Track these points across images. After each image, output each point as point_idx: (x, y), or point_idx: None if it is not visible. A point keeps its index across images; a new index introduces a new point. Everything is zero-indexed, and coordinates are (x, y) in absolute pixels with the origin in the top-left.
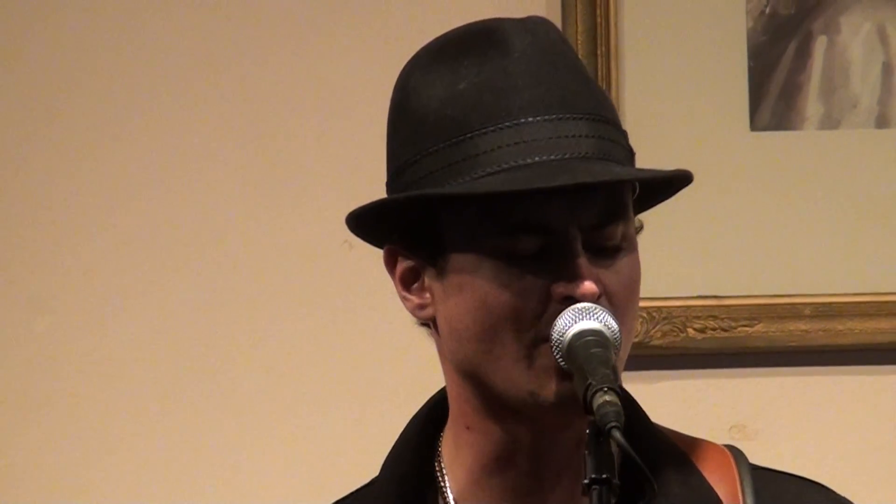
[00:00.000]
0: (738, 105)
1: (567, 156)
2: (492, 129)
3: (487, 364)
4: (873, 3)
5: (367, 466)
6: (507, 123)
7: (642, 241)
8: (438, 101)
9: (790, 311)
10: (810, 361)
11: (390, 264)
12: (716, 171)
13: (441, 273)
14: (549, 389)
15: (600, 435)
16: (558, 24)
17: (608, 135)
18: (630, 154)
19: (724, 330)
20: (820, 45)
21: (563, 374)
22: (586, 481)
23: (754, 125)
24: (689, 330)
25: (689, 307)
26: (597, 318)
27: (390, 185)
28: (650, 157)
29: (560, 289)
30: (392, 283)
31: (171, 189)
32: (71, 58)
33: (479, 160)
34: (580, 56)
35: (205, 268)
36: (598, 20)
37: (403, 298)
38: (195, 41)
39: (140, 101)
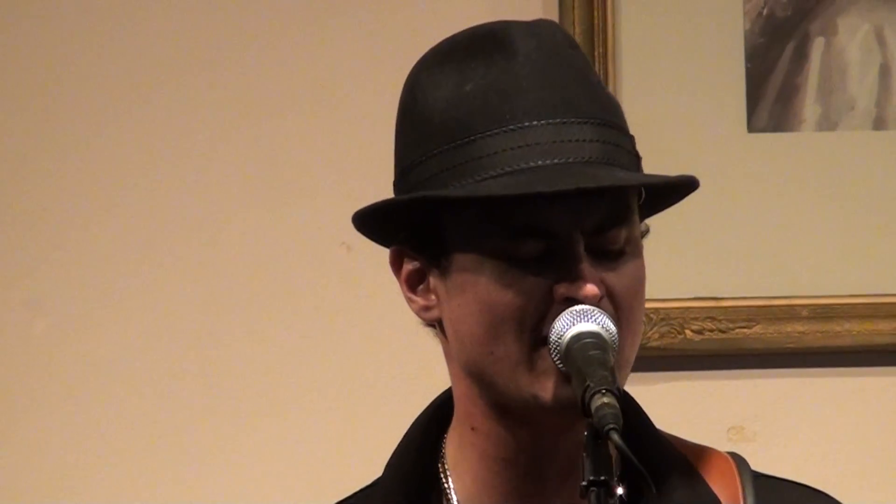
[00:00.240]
0: (735, 107)
1: (570, 160)
2: (496, 131)
3: (490, 366)
4: (871, 4)
5: (366, 468)
6: (511, 126)
7: None
8: (444, 103)
9: (788, 313)
10: (808, 363)
11: (396, 265)
12: (713, 173)
13: (445, 274)
14: (550, 392)
15: (598, 437)
16: None
17: (613, 139)
18: (636, 159)
19: (722, 331)
20: (817, 47)
21: (563, 377)
22: (584, 483)
23: (752, 127)
24: (687, 331)
25: (686, 308)
26: (594, 320)
27: (397, 185)
28: (648, 158)
29: (562, 290)
30: (394, 284)
31: (170, 191)
32: (70, 59)
33: (483, 163)
34: None
35: (203, 269)
36: (596, 21)
37: (409, 300)
38: (194, 41)
39: (138, 103)
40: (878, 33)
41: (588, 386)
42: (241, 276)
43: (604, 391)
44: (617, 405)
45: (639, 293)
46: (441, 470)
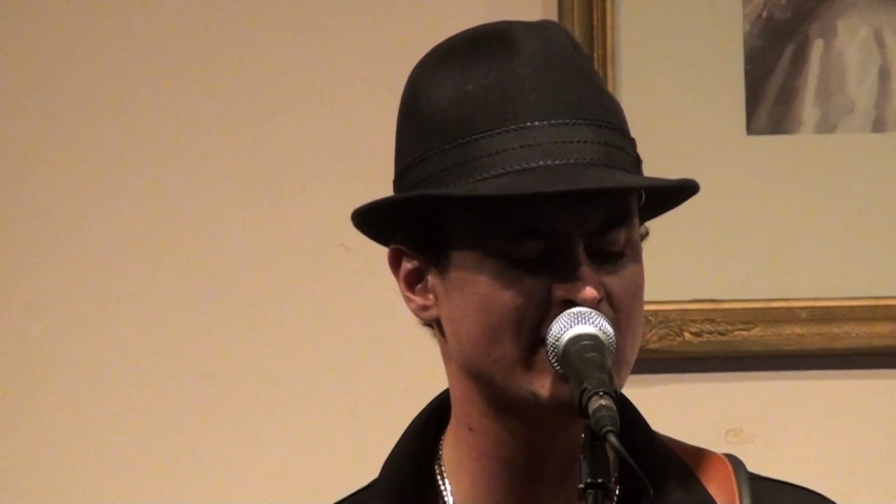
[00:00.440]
0: (734, 109)
1: (571, 161)
2: (497, 131)
3: (488, 365)
4: (870, 7)
5: (365, 468)
6: (512, 126)
7: None
8: (446, 102)
9: (786, 315)
10: (806, 365)
11: (394, 265)
12: (712, 175)
13: (444, 274)
14: (548, 390)
15: (596, 439)
16: None
17: (614, 142)
18: (637, 161)
19: (721, 334)
20: (816, 50)
21: (561, 377)
22: (581, 486)
23: (751, 129)
24: (686, 333)
25: (685, 311)
26: (592, 323)
27: (397, 183)
28: (647, 160)
29: (560, 292)
30: (391, 284)
31: (168, 192)
32: (69, 60)
33: (484, 162)
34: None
35: (201, 271)
36: (595, 23)
37: (407, 299)
38: (192, 42)
39: (137, 103)
40: (878, 35)
41: (585, 388)
42: (239, 277)
43: (601, 393)
44: (614, 407)
45: (638, 296)
46: (438, 471)
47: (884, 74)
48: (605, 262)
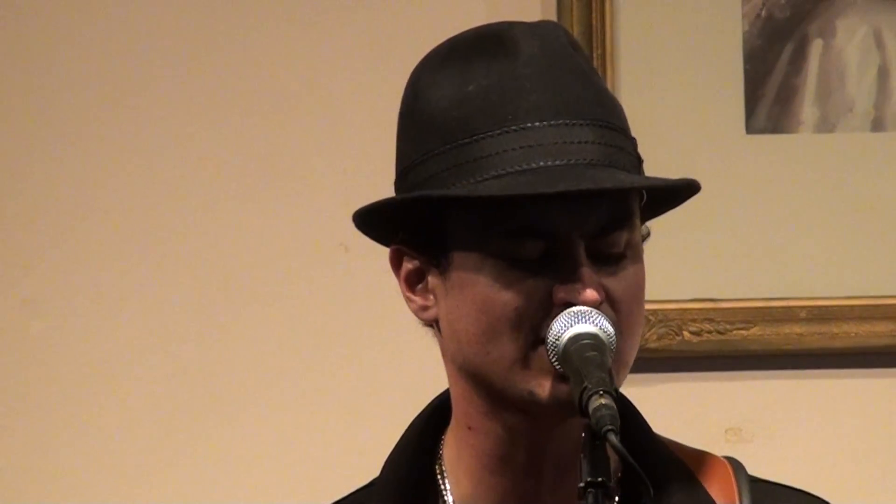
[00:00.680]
0: (733, 108)
1: (572, 161)
2: (498, 132)
3: (487, 365)
4: (869, 6)
5: (364, 468)
6: (513, 127)
7: None
8: (446, 102)
9: (786, 315)
10: (806, 364)
11: (395, 265)
12: (711, 175)
13: (444, 274)
14: (546, 389)
15: (596, 438)
16: None
17: (615, 142)
18: (638, 162)
19: (720, 333)
20: (816, 49)
21: (561, 377)
22: (582, 485)
23: (750, 128)
24: (685, 333)
25: (684, 310)
26: (592, 322)
27: (398, 184)
28: (646, 159)
29: (561, 294)
30: (391, 284)
31: (168, 191)
32: (69, 59)
33: (484, 163)
34: None
35: (201, 270)
36: (594, 23)
37: (407, 299)
38: (193, 41)
39: (137, 103)
40: (877, 35)
41: (585, 387)
42: (239, 277)
43: (601, 392)
44: (614, 406)
45: (639, 298)
46: (438, 470)
47: (883, 74)
48: (606, 263)
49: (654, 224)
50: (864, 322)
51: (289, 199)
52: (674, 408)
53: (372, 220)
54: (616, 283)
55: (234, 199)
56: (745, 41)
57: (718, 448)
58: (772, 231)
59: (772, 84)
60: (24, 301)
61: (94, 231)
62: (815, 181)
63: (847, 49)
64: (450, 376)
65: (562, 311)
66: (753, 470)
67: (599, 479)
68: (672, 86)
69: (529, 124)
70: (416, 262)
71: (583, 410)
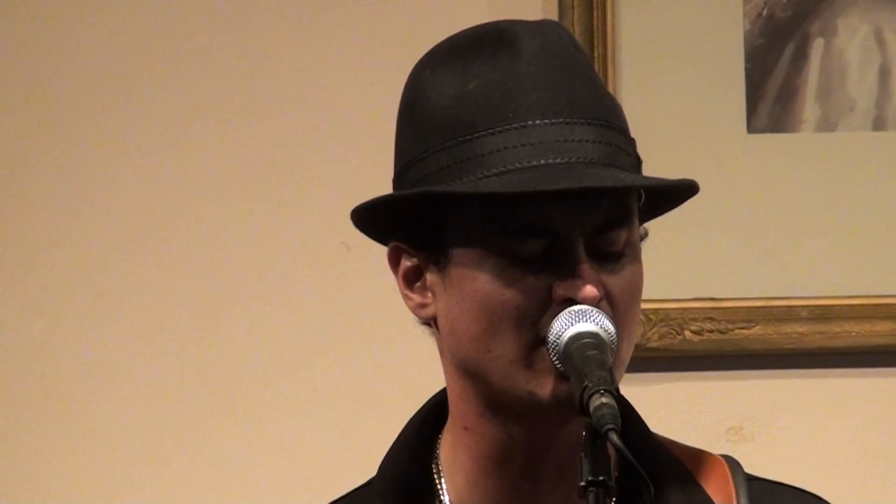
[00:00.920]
0: (735, 107)
1: (573, 160)
2: (499, 129)
3: (486, 363)
4: (870, 5)
5: (364, 467)
6: (514, 125)
7: None
8: (447, 100)
9: (787, 314)
10: (807, 364)
11: (394, 262)
12: (713, 174)
13: (443, 272)
14: (547, 390)
15: (597, 437)
16: None
17: (615, 141)
18: (637, 162)
19: (721, 332)
20: (817, 48)
21: (561, 376)
22: (582, 484)
23: (751, 127)
24: (686, 332)
25: (686, 309)
26: (593, 321)
27: (397, 181)
28: (647, 159)
29: (561, 291)
30: (392, 283)
31: (169, 191)
32: (70, 58)
33: (485, 160)
34: None
35: (202, 269)
36: (595, 22)
37: (405, 297)
38: (193, 40)
39: (138, 103)
40: (878, 34)
41: (586, 386)
42: (240, 276)
43: (602, 391)
44: (615, 405)
45: (636, 296)
46: (434, 470)
47: (884, 73)
48: (605, 261)
49: (656, 223)
50: (865, 321)
51: (290, 199)
52: (675, 407)
53: (371, 217)
54: (615, 282)
55: (235, 199)
56: (747, 40)
57: (720, 447)
58: (773, 230)
59: (773, 83)
60: (27, 300)
61: (96, 230)
62: (817, 180)
63: (848, 48)
64: (447, 375)
65: (562, 308)
66: (755, 469)
67: (600, 478)
68: (673, 85)
69: (531, 122)
70: (415, 260)
71: (584, 409)
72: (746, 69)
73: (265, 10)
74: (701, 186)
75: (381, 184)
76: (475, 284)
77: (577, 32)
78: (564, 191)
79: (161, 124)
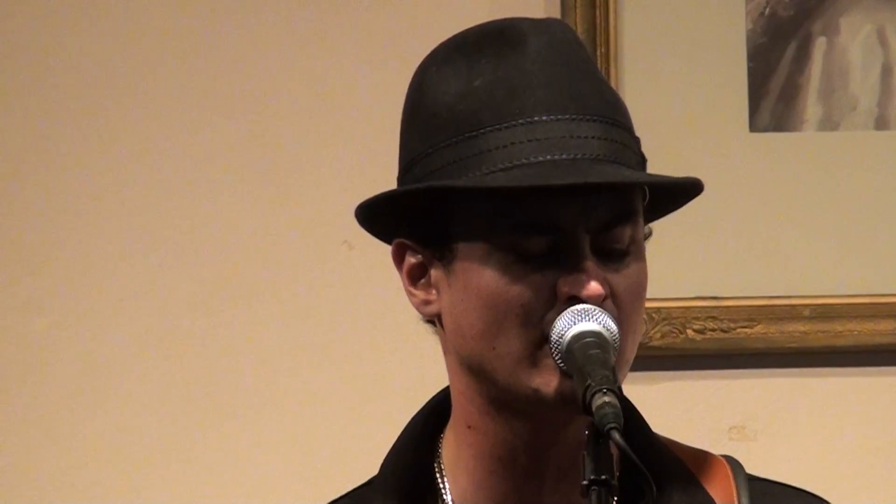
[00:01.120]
0: (737, 106)
1: (578, 156)
2: (504, 125)
3: (491, 361)
4: (873, 4)
5: (366, 466)
6: (519, 121)
7: None
8: (452, 97)
9: (789, 313)
10: (809, 363)
11: (398, 259)
12: (715, 173)
13: (448, 268)
14: (552, 387)
15: (599, 436)
16: None
17: (620, 139)
18: (642, 160)
19: (724, 331)
20: (819, 47)
21: (565, 374)
22: (585, 482)
23: (754, 126)
24: (689, 331)
25: (688, 308)
26: (596, 320)
27: (401, 178)
28: (649, 157)
29: (565, 288)
30: (394, 281)
31: (170, 189)
32: (70, 58)
33: (491, 156)
34: None
35: (203, 268)
36: (598, 21)
37: (409, 294)
38: (194, 39)
39: (138, 102)
40: (881, 33)
41: (589, 385)
42: (242, 275)
43: (605, 390)
44: (618, 404)
45: (640, 295)
46: (437, 469)
47: (886, 72)
48: (610, 260)
49: (659, 222)
50: (867, 320)
51: (292, 197)
52: (677, 406)
53: (375, 214)
54: (619, 281)
55: (237, 197)
56: (749, 39)
57: (722, 446)
58: (775, 229)
59: (775, 82)
60: (28, 298)
61: (97, 229)
62: (819, 179)
63: (851, 47)
64: (451, 373)
65: (566, 305)
66: (757, 468)
67: (602, 477)
68: (676, 84)
69: (536, 118)
70: (419, 257)
71: (586, 408)
72: (749, 68)
73: (267, 8)
74: (704, 186)
75: (384, 182)
76: (480, 280)
77: (580, 31)
78: (570, 186)
79: (162, 123)
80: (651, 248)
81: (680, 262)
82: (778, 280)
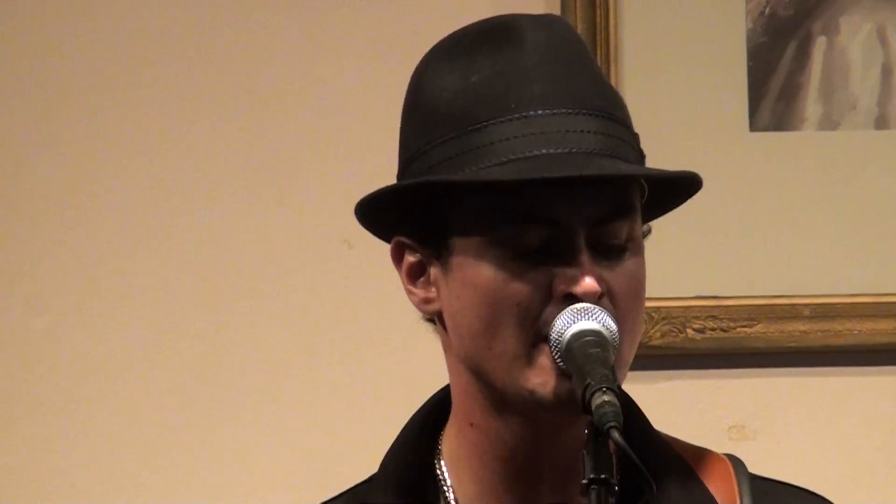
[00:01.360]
0: (737, 106)
1: (575, 150)
2: (501, 120)
3: (488, 360)
4: (873, 4)
5: (366, 464)
6: (516, 115)
7: None
8: (451, 93)
9: (789, 312)
10: (809, 362)
11: (397, 258)
12: (715, 172)
13: (446, 266)
14: (549, 388)
15: (599, 435)
16: None
17: (618, 133)
18: (640, 156)
19: (724, 330)
20: (819, 46)
21: (563, 374)
22: (585, 481)
23: (754, 126)
24: (689, 330)
25: (688, 307)
26: (595, 319)
27: (400, 175)
28: (649, 156)
29: (562, 286)
30: (394, 280)
31: (170, 189)
32: (70, 57)
33: (488, 150)
34: None
35: (203, 267)
36: (598, 20)
37: (409, 292)
38: (194, 38)
39: (138, 101)
40: (881, 33)
41: (588, 384)
42: (241, 274)
43: (604, 389)
44: (617, 403)
45: (639, 293)
46: (438, 466)
47: (886, 71)
48: (607, 257)
49: (658, 221)
50: (867, 319)
51: (291, 196)
52: (677, 405)
53: (375, 211)
54: (617, 279)
55: (237, 196)
56: (749, 38)
57: (721, 445)
58: (775, 228)
59: (775, 81)
60: (28, 297)
61: (97, 228)
62: (819, 178)
63: (851, 46)
64: (451, 371)
65: (562, 305)
66: (757, 467)
67: (602, 476)
68: (675, 83)
69: (533, 112)
70: (418, 255)
71: (586, 407)
72: (749, 67)
73: (266, 6)
74: (703, 183)
75: (383, 181)
76: (476, 277)
77: (580, 30)
78: (565, 179)
79: (161, 122)
80: (651, 247)
81: (680, 261)
82: (778, 279)
